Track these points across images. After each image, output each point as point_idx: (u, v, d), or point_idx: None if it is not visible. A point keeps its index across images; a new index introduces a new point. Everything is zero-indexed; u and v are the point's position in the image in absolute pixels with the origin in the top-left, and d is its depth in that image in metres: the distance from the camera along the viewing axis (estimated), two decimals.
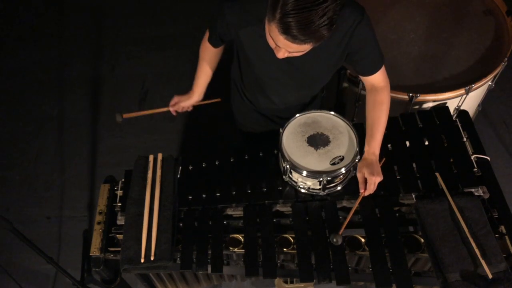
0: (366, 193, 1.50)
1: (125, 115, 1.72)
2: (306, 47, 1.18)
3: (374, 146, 1.52)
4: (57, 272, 2.37)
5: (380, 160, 1.54)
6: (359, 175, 1.52)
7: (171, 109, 1.79)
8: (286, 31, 1.12)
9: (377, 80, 1.52)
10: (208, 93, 1.80)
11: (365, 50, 1.43)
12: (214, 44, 1.61)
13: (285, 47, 1.21)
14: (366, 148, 1.53)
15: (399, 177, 1.57)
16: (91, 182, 2.79)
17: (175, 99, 1.78)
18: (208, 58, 1.69)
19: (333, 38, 1.35)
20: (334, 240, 1.44)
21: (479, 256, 1.36)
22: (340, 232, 1.45)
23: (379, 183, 1.50)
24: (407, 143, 1.68)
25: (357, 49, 1.42)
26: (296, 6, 1.07)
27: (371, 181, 1.47)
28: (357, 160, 1.49)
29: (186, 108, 1.80)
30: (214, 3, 1.45)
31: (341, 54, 1.43)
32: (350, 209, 1.58)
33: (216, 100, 1.83)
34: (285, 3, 1.09)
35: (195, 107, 1.82)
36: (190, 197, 1.62)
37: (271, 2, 1.13)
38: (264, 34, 1.25)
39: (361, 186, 1.51)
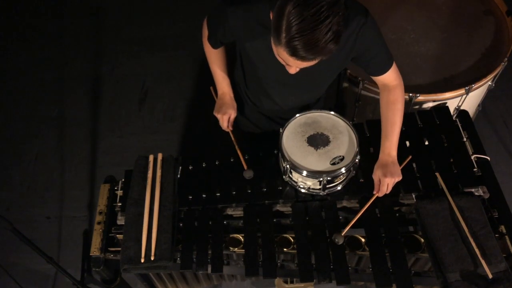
0: (380, 195, 1.50)
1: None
2: (316, 61, 1.19)
3: (389, 147, 1.51)
4: (57, 272, 2.37)
5: (405, 158, 1.53)
6: (374, 177, 1.51)
7: (230, 129, 1.69)
8: (294, 53, 1.13)
9: (389, 79, 1.52)
10: (208, 92, 1.80)
11: (372, 51, 1.42)
12: (214, 46, 1.61)
13: (296, 65, 1.22)
14: (381, 149, 1.53)
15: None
16: (91, 182, 2.79)
17: (225, 117, 1.67)
18: (217, 57, 1.66)
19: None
20: (336, 240, 1.45)
21: (479, 256, 1.36)
22: (343, 233, 1.45)
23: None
24: (407, 143, 1.68)
25: (363, 51, 1.41)
26: (300, 29, 1.08)
27: (384, 182, 1.47)
28: (357, 160, 1.49)
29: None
30: (214, 3, 1.44)
31: (346, 56, 1.43)
32: (350, 209, 1.59)
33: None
34: (289, 27, 1.09)
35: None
36: (190, 197, 1.62)
37: (274, 26, 1.13)
38: (268, 39, 1.24)
39: (375, 187, 1.51)
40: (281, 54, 1.19)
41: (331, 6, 1.07)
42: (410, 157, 1.58)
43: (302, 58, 1.14)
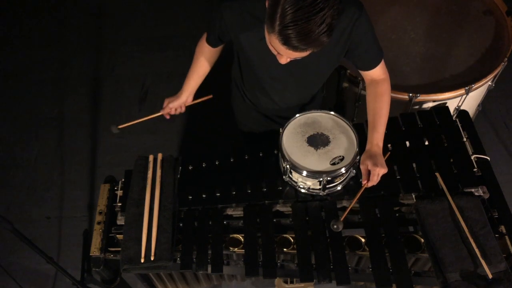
0: (370, 184, 1.48)
1: (121, 126, 1.74)
2: (307, 53, 1.19)
3: (377, 138, 1.51)
4: (57, 272, 2.37)
5: (384, 154, 1.53)
6: (362, 167, 1.50)
7: (163, 112, 1.78)
8: (286, 42, 1.14)
9: (377, 74, 1.53)
10: (208, 92, 1.80)
11: (365, 45, 1.43)
12: (213, 44, 1.61)
13: (287, 55, 1.23)
14: (369, 140, 1.52)
15: (399, 177, 1.57)
16: (91, 182, 2.79)
17: (166, 101, 1.77)
18: (203, 59, 1.68)
19: (332, 35, 1.35)
20: (335, 226, 1.40)
21: (479, 256, 1.36)
22: (342, 219, 1.42)
23: (380, 182, 1.49)
24: (407, 143, 1.68)
25: (356, 45, 1.42)
26: (295, 18, 1.08)
27: (375, 172, 1.46)
28: (357, 160, 1.49)
29: (178, 109, 1.79)
30: (214, 3, 1.45)
31: (341, 50, 1.43)
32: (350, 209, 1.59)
33: (207, 97, 1.82)
34: (284, 15, 1.09)
35: (189, 107, 1.81)
36: (190, 197, 1.62)
37: (269, 14, 1.14)
38: (264, 35, 1.25)
39: (364, 177, 1.49)
40: (273, 42, 1.19)
41: None
42: (389, 153, 1.57)
43: (294, 48, 1.15)
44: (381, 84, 1.53)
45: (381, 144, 1.51)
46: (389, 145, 1.64)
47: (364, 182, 1.48)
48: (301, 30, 1.10)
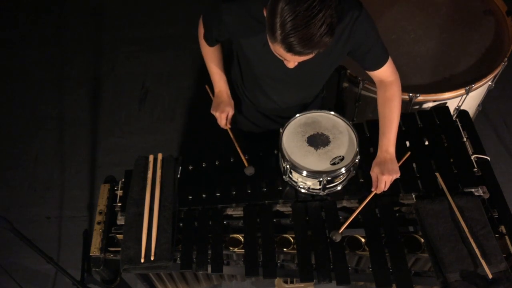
0: (378, 192, 1.50)
1: (341, 230, 1.46)
2: (314, 54, 1.20)
3: (386, 143, 1.51)
4: (57, 272, 2.37)
5: (404, 154, 1.54)
6: (372, 174, 1.51)
7: (228, 127, 1.69)
8: (290, 49, 1.15)
9: (385, 74, 1.52)
10: (204, 91, 1.80)
11: (367, 45, 1.42)
12: (210, 44, 1.60)
13: (294, 60, 1.24)
14: (379, 146, 1.53)
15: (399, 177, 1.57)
16: (91, 182, 2.79)
17: (224, 115, 1.66)
18: (214, 55, 1.66)
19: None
20: (334, 237, 1.45)
21: (479, 256, 1.36)
22: (341, 231, 1.45)
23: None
24: (407, 143, 1.68)
25: (359, 45, 1.42)
26: (294, 25, 1.09)
27: (381, 179, 1.47)
28: (357, 160, 1.49)
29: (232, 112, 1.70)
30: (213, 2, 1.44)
31: (342, 50, 1.43)
32: (350, 209, 1.59)
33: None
34: (283, 23, 1.10)
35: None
36: (190, 197, 1.62)
37: (269, 24, 1.14)
38: (263, 34, 1.25)
39: (373, 184, 1.51)
40: (278, 51, 1.20)
41: (323, 0, 1.09)
42: (409, 153, 1.58)
43: (299, 53, 1.16)
44: (389, 87, 1.52)
45: (391, 149, 1.51)
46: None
47: (372, 189, 1.50)
48: (303, 36, 1.11)
